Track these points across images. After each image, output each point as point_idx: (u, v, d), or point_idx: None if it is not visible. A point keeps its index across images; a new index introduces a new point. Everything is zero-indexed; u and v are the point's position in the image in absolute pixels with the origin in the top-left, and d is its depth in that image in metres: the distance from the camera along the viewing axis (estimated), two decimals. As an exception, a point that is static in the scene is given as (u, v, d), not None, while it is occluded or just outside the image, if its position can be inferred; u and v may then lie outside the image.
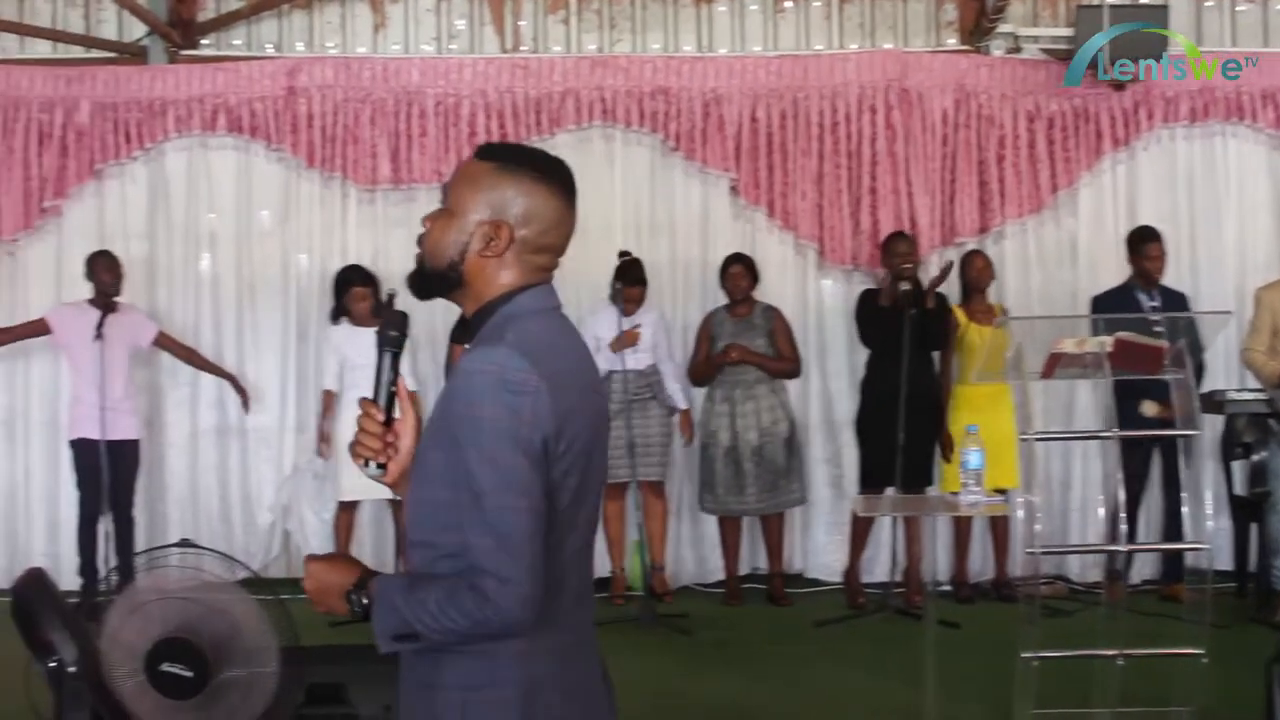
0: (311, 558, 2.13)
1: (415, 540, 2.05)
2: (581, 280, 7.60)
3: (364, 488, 6.67)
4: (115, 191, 7.93)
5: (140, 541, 7.21)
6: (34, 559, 7.32)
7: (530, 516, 1.92)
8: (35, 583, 4.33)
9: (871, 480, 7.17)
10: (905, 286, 6.93)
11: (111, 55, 8.10)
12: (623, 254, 7.25)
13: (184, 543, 4.10)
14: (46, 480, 7.83)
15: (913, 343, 6.93)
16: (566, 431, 1.97)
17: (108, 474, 6.96)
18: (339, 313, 7.28)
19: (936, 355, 7.24)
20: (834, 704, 5.62)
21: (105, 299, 7.10)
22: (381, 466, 2.14)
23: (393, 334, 2.14)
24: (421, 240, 2.13)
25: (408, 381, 2.22)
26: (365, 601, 2.00)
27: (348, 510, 7.29)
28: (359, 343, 6.85)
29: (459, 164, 2.19)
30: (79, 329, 7.01)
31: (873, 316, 7.21)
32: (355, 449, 2.13)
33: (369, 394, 2.14)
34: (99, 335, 6.84)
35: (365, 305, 7.15)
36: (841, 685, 5.84)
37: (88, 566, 7.05)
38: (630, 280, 7.22)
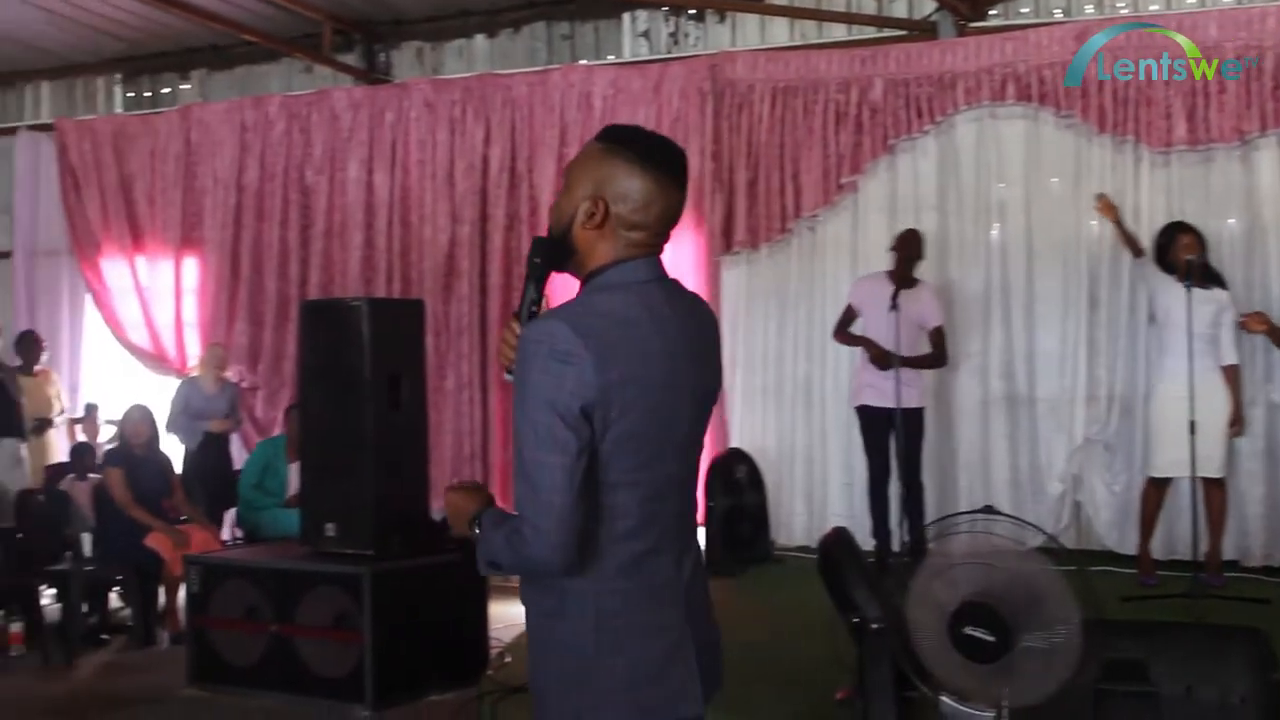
0: (450, 487, 2.75)
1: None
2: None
3: (1180, 464, 7.62)
4: (907, 165, 9.40)
5: (930, 507, 8.41)
6: (830, 520, 8.94)
7: (562, 473, 2.42)
8: (840, 542, 5.35)
9: None
10: None
11: (902, 33, 9.59)
12: None
13: (988, 509, 4.77)
14: (843, 445, 9.42)
15: None
16: (616, 400, 2.46)
17: (898, 441, 8.23)
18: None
19: None
20: None
21: (907, 273, 8.40)
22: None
23: (535, 260, 2.68)
24: (550, 213, 2.71)
25: None
26: (478, 530, 2.62)
27: (1158, 487, 7.96)
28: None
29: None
30: (876, 300, 8.30)
31: None
32: (499, 357, 2.90)
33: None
34: (894, 307, 8.06)
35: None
36: None
37: (880, 529, 8.38)
38: None
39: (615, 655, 2.55)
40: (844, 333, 8.67)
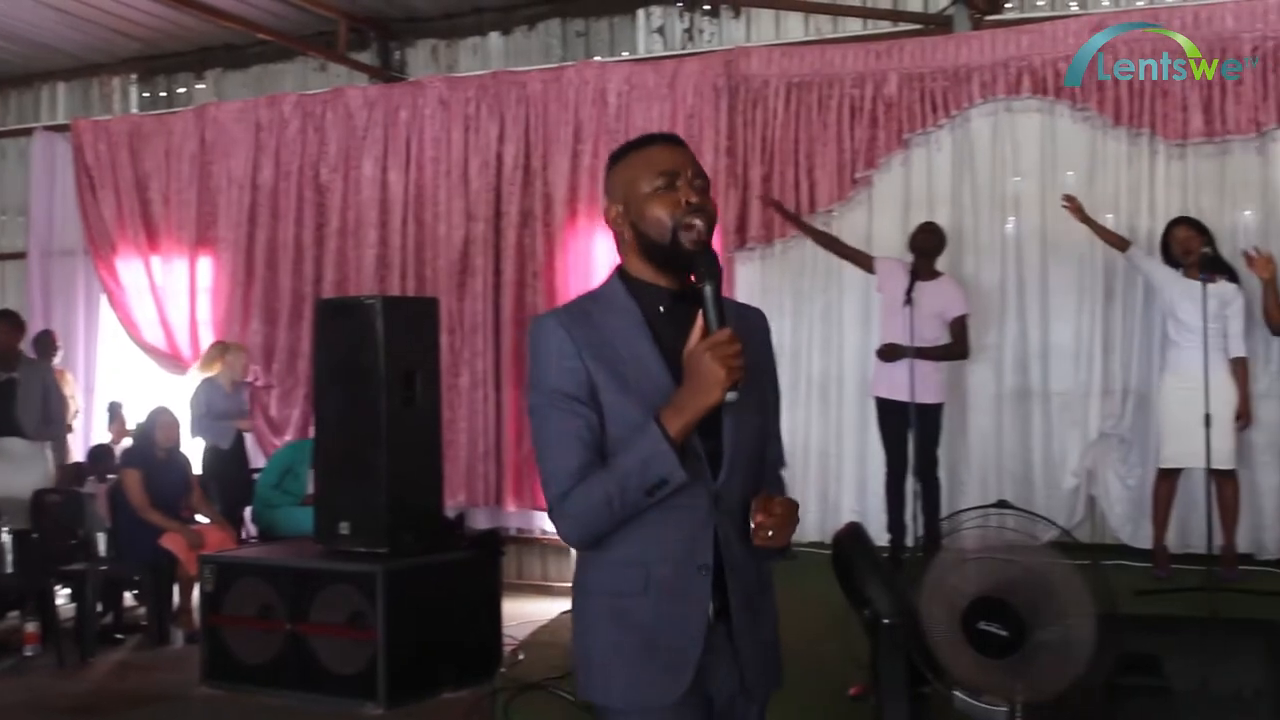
0: (773, 499, 2.69)
1: (752, 457, 2.77)
2: None
3: (1186, 455, 7.61)
4: (922, 160, 9.41)
5: (943, 501, 8.35)
6: (844, 515, 8.89)
7: None
8: (853, 537, 5.32)
9: None
10: None
11: (918, 27, 9.59)
12: None
13: (1002, 504, 4.77)
14: (857, 440, 9.45)
15: None
16: None
17: (914, 435, 8.20)
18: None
19: None
20: None
21: (924, 266, 8.35)
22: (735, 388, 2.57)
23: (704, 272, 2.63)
24: (707, 214, 2.74)
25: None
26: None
27: (1167, 478, 7.91)
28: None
29: (679, 152, 2.79)
30: (893, 285, 8.29)
31: None
32: (729, 375, 2.55)
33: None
34: (908, 302, 8.03)
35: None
36: None
37: (895, 523, 8.36)
38: None
39: None
40: (803, 225, 8.99)
